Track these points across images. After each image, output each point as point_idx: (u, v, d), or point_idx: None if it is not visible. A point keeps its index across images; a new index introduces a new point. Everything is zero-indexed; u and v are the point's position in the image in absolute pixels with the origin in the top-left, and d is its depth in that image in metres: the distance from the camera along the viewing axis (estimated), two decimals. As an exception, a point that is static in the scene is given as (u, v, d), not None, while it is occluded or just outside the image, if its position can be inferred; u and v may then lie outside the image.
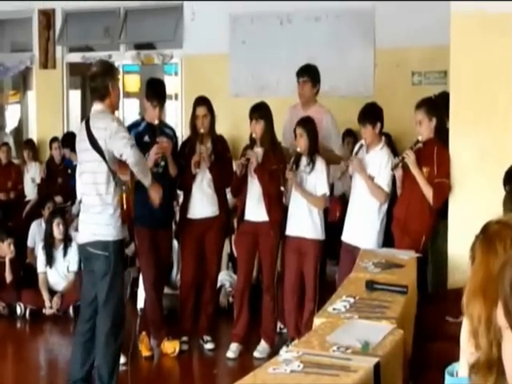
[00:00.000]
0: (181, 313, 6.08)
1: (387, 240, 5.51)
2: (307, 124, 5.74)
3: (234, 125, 7.77)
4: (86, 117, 4.93)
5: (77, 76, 10.62)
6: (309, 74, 6.25)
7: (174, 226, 6.27)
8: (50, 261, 7.16)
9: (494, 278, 2.05)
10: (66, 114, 9.79)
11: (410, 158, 5.29)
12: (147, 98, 5.90)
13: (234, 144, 7.30)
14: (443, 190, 5.28)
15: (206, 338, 6.09)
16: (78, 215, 6.80)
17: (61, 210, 7.77)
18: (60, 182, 8.58)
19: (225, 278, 7.02)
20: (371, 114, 5.58)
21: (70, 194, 7.84)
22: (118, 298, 4.75)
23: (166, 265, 6.33)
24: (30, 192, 9.11)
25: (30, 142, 9.66)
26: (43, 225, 7.54)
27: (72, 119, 9.94)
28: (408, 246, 5.18)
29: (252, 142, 5.86)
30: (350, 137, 7.74)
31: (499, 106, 5.17)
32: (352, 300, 3.72)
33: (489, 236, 2.21)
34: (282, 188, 5.70)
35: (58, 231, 7.14)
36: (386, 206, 5.56)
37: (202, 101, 6.04)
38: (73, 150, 8.49)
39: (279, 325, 6.15)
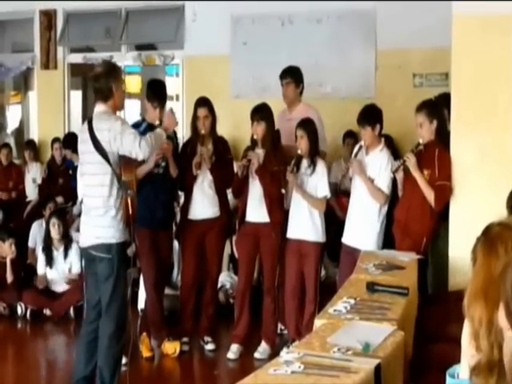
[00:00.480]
0: (181, 313, 6.08)
1: (388, 242, 5.52)
2: (308, 126, 5.75)
3: (234, 126, 7.77)
4: (88, 118, 4.89)
5: (78, 77, 10.61)
6: (291, 75, 6.44)
7: (174, 227, 6.27)
8: (49, 262, 7.16)
9: (496, 280, 2.05)
10: (67, 114, 9.79)
11: (410, 160, 5.28)
12: (148, 99, 5.91)
13: (235, 145, 7.31)
14: (445, 193, 5.28)
15: (207, 338, 6.09)
16: (79, 216, 6.83)
17: (60, 210, 7.77)
18: (61, 182, 8.58)
19: (225, 278, 7.02)
20: (370, 115, 5.59)
21: (71, 195, 7.85)
22: (121, 300, 4.74)
23: (167, 265, 6.33)
24: (31, 192, 9.12)
25: (31, 142, 9.66)
26: (44, 225, 7.54)
27: (73, 120, 9.94)
28: (409, 247, 5.18)
29: (253, 144, 5.86)
30: (351, 138, 7.73)
31: (500, 108, 5.17)
32: (353, 301, 3.73)
33: (490, 238, 2.21)
34: (283, 190, 5.70)
35: (54, 231, 7.14)
36: (385, 208, 5.56)
37: (203, 102, 6.04)
38: (74, 150, 8.50)
39: (280, 326, 6.15)
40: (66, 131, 9.54)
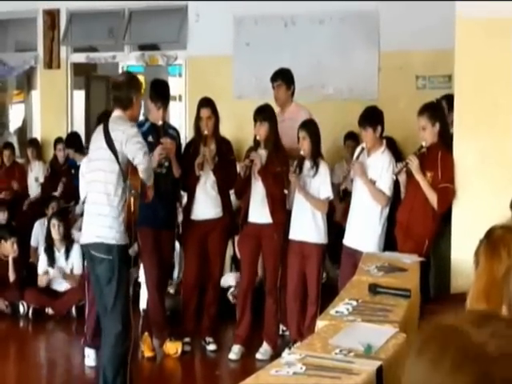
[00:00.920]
0: (183, 314, 6.09)
1: (390, 244, 5.52)
2: (310, 127, 5.75)
3: (237, 126, 7.77)
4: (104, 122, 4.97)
5: (81, 76, 10.64)
6: (282, 77, 6.49)
7: (177, 228, 6.28)
8: (51, 262, 7.16)
9: (498, 283, 2.06)
10: (69, 114, 9.79)
11: (413, 163, 5.28)
12: (151, 99, 5.91)
13: (238, 146, 7.31)
14: (447, 195, 5.28)
15: (209, 339, 6.09)
16: (81, 215, 6.84)
17: (61, 211, 7.77)
18: (64, 181, 8.59)
19: (233, 279, 6.99)
20: (372, 117, 5.59)
21: (74, 194, 7.84)
22: (125, 301, 4.76)
23: (169, 265, 6.34)
24: (34, 191, 9.12)
25: (33, 140, 9.67)
26: (46, 224, 7.54)
27: (76, 119, 9.96)
28: (411, 249, 5.18)
29: (256, 144, 5.87)
30: (351, 140, 7.68)
31: (503, 111, 5.18)
32: (355, 303, 3.73)
33: (493, 241, 2.22)
34: (286, 191, 5.71)
35: (55, 232, 7.15)
36: (387, 210, 5.56)
37: (206, 102, 6.04)
38: (77, 150, 8.54)
39: (281, 327, 6.16)
40: (69, 130, 9.54)
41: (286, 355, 2.94)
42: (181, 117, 9.27)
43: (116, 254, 4.66)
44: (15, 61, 10.09)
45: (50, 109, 9.77)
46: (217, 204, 6.01)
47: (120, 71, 9.54)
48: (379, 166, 5.53)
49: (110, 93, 5.16)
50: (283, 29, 8.65)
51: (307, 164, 5.73)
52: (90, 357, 5.75)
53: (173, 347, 5.88)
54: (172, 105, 7.44)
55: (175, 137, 6.02)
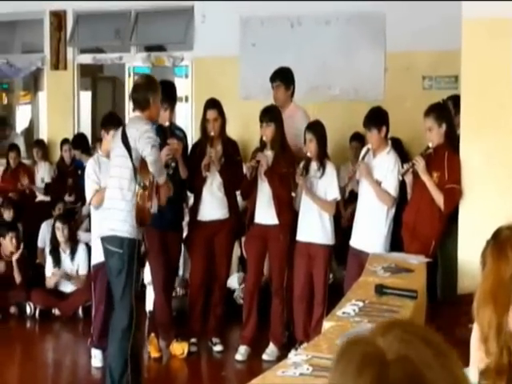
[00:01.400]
0: (190, 314, 6.09)
1: (396, 244, 5.51)
2: (317, 128, 5.75)
3: (243, 127, 7.77)
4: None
5: (87, 77, 10.66)
6: (281, 78, 6.45)
7: (183, 229, 6.28)
8: (57, 263, 7.17)
9: (505, 284, 2.05)
10: (76, 115, 9.81)
11: (419, 164, 5.28)
12: (158, 100, 5.91)
13: (244, 146, 7.31)
14: (454, 196, 5.27)
15: (215, 340, 6.09)
16: (88, 216, 6.85)
17: (66, 213, 7.78)
18: (70, 183, 8.60)
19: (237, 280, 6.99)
20: (376, 118, 5.58)
21: (80, 195, 7.85)
22: (132, 296, 4.85)
23: (176, 266, 6.35)
24: (41, 192, 9.13)
25: (39, 141, 9.68)
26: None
27: (82, 120, 9.97)
28: (417, 250, 5.18)
29: (262, 145, 5.87)
30: (356, 141, 7.63)
31: (509, 112, 5.17)
32: (361, 304, 3.73)
33: (500, 242, 2.21)
34: (293, 194, 5.70)
35: (59, 235, 7.16)
36: (393, 211, 5.55)
37: (212, 104, 6.04)
38: (83, 151, 8.55)
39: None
40: (76, 132, 9.56)
41: (293, 356, 2.95)
42: (187, 118, 9.27)
43: (127, 248, 4.80)
44: (22, 62, 10.11)
45: (57, 110, 9.79)
46: (223, 205, 6.01)
47: (126, 72, 9.57)
48: (385, 167, 5.53)
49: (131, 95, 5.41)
50: (289, 29, 8.65)
51: (314, 165, 5.73)
52: (96, 357, 5.76)
53: (179, 348, 5.88)
54: (178, 106, 7.43)
55: (182, 138, 6.03)
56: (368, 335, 1.16)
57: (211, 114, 5.97)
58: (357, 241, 5.61)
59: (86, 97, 10.42)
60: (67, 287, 7.18)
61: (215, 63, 8.79)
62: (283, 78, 6.44)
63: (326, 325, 3.45)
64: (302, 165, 5.66)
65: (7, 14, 9.77)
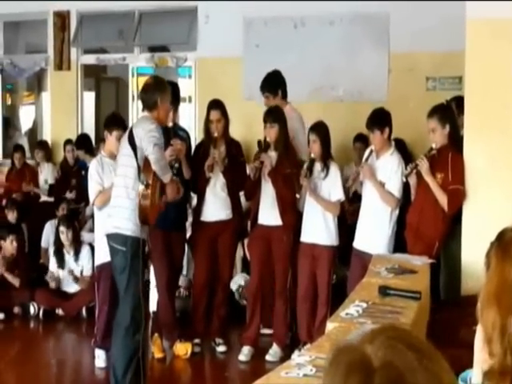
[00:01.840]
0: (193, 315, 6.10)
1: (400, 245, 5.51)
2: (320, 130, 5.74)
3: (246, 128, 7.77)
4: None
5: (91, 78, 10.67)
6: (267, 89, 6.37)
7: (187, 229, 6.28)
8: (61, 264, 7.18)
9: (509, 286, 2.05)
10: (80, 115, 9.82)
11: (423, 165, 5.27)
12: (161, 101, 5.92)
13: (247, 147, 7.31)
14: (458, 197, 5.27)
15: (218, 340, 6.10)
16: (91, 217, 6.85)
17: (72, 213, 7.79)
18: (74, 183, 8.62)
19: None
20: (379, 119, 5.57)
21: (84, 196, 7.86)
22: (136, 293, 4.88)
23: (180, 266, 6.35)
24: (44, 193, 9.14)
25: (42, 142, 9.70)
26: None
27: (86, 121, 9.98)
28: (421, 251, 5.17)
29: (260, 147, 5.86)
30: (360, 142, 7.61)
31: (513, 112, 5.17)
32: (365, 305, 3.72)
33: (504, 243, 2.21)
34: (298, 195, 5.70)
35: (63, 237, 7.16)
36: (396, 212, 5.55)
37: (215, 105, 6.05)
38: (87, 151, 8.56)
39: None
40: (79, 132, 9.57)
41: (296, 357, 2.94)
42: (191, 118, 9.28)
43: (130, 246, 4.84)
44: (26, 62, 10.12)
45: (60, 110, 9.80)
46: (226, 206, 6.01)
47: (130, 73, 9.58)
48: (388, 168, 5.52)
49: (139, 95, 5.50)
50: (293, 30, 8.64)
51: (317, 166, 5.72)
52: (99, 358, 5.77)
53: (183, 348, 5.89)
54: (182, 106, 7.44)
55: (185, 138, 6.03)
56: (357, 342, 1.18)
57: (214, 114, 5.97)
58: (360, 242, 5.61)
59: (89, 97, 10.43)
60: (71, 287, 7.19)
61: (219, 64, 8.79)
62: (270, 88, 6.36)
63: (330, 326, 3.44)
64: (305, 166, 5.66)
65: (11, 14, 9.80)
